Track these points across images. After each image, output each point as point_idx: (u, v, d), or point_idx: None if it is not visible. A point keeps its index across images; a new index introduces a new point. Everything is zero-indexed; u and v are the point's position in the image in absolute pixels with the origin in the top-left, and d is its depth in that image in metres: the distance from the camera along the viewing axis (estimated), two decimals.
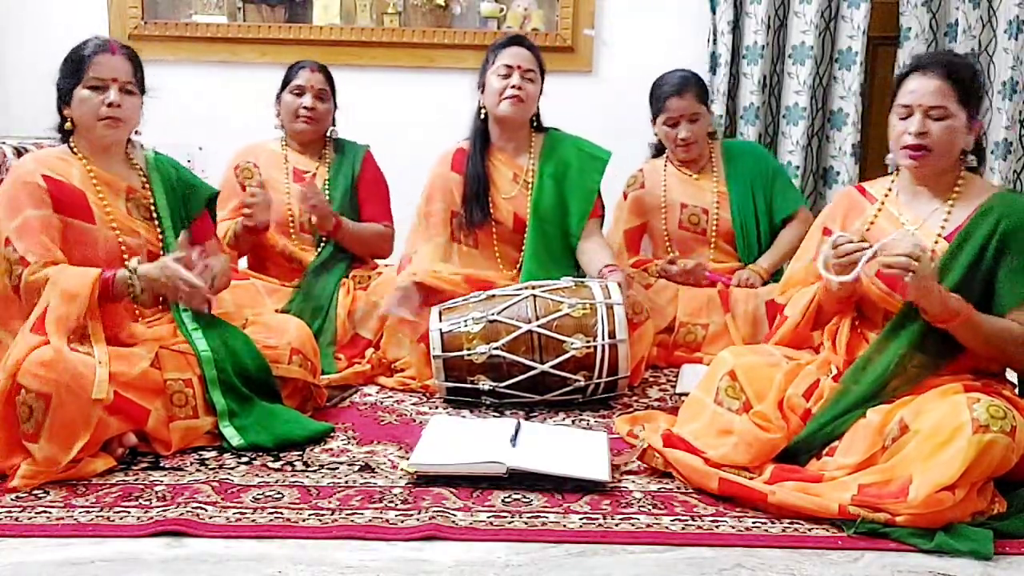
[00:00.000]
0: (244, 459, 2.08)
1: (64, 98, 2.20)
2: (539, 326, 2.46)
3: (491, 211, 2.87)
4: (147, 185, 2.30)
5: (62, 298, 2.01)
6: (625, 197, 3.23)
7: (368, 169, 3.08)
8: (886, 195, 2.12)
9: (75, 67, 2.18)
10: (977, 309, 1.89)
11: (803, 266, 2.24)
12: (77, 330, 2.02)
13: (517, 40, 2.86)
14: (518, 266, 2.89)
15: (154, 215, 2.28)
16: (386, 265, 3.09)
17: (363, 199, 3.05)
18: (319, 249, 2.98)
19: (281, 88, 3.02)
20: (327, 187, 3.00)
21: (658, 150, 3.27)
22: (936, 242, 2.00)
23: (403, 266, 2.89)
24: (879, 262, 1.87)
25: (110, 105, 2.16)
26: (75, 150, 2.22)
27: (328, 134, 3.07)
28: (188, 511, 1.77)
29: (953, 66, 1.99)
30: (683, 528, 1.77)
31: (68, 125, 2.21)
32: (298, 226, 2.99)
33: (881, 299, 2.03)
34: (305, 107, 2.96)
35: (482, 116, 2.88)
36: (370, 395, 2.60)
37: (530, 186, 2.88)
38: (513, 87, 2.77)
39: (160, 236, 2.28)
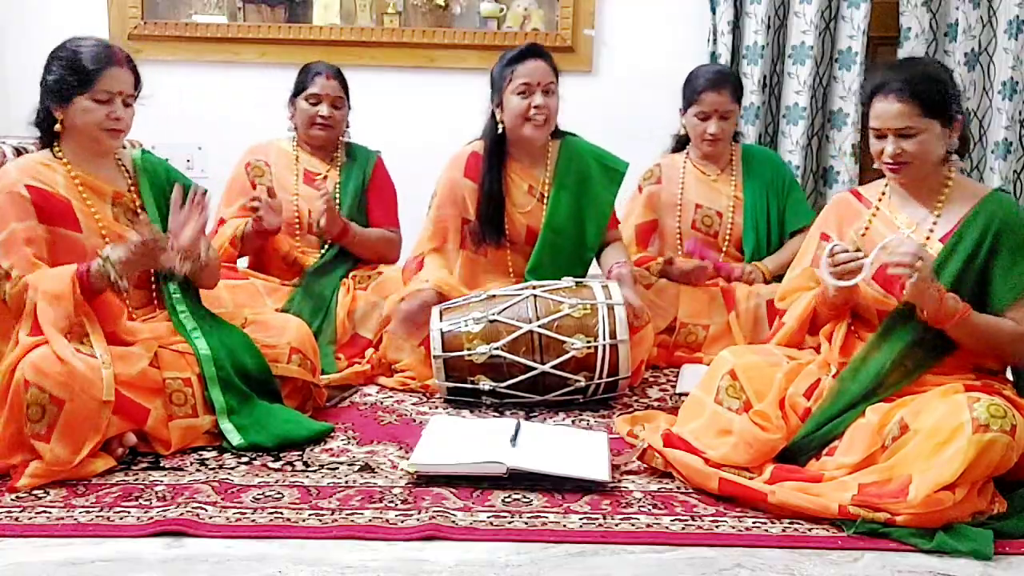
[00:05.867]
0: (244, 459, 2.08)
1: (60, 99, 2.15)
2: (540, 326, 2.45)
3: (506, 227, 2.81)
4: (134, 188, 2.28)
5: (47, 301, 1.99)
6: (640, 191, 3.17)
7: (379, 175, 3.08)
8: (880, 199, 2.13)
9: (82, 75, 2.13)
10: (972, 308, 1.90)
11: (801, 272, 2.24)
12: (75, 331, 2.02)
13: (531, 53, 2.69)
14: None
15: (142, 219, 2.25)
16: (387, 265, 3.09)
17: (372, 204, 3.04)
18: (323, 251, 2.97)
19: (296, 92, 2.98)
20: (337, 191, 3.00)
21: (679, 144, 3.21)
22: (929, 239, 2.00)
23: (408, 269, 2.86)
24: (885, 263, 1.87)
25: (117, 119, 2.16)
26: (58, 154, 2.20)
27: (341, 137, 3.06)
28: (188, 511, 1.77)
29: (910, 83, 1.95)
30: (683, 528, 1.77)
31: (58, 127, 2.17)
32: (305, 228, 2.97)
33: (877, 301, 2.04)
34: (322, 116, 2.94)
35: (499, 131, 2.75)
36: (370, 395, 2.60)
37: (545, 199, 2.81)
38: (536, 107, 2.67)
39: None
